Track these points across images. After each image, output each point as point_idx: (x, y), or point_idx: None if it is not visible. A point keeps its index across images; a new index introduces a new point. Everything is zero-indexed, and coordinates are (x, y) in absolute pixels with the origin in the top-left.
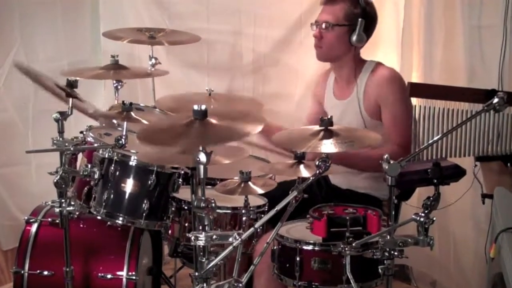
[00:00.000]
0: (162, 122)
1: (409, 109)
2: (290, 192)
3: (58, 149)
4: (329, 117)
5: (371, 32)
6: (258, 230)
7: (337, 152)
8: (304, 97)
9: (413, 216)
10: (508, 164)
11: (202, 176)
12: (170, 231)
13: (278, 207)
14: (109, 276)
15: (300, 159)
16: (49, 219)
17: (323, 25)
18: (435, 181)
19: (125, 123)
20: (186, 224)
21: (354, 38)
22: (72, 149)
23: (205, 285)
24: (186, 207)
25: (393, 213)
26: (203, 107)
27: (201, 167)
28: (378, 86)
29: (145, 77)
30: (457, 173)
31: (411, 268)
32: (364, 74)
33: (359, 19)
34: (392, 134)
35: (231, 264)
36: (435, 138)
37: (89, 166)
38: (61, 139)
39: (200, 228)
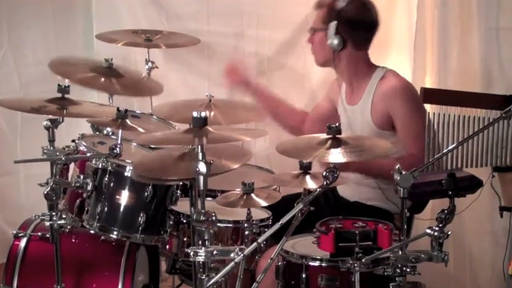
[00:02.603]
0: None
1: (423, 118)
2: (295, 204)
3: (49, 158)
4: (337, 124)
5: (359, 35)
6: (262, 245)
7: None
8: (310, 103)
9: (427, 230)
10: None
11: (202, 188)
12: (168, 246)
13: (283, 220)
14: None
15: (306, 169)
16: (39, 234)
17: (309, 30)
18: (450, 193)
19: (120, 131)
20: (185, 239)
21: (328, 41)
22: (63, 158)
23: None
24: (185, 221)
25: (405, 227)
26: (203, 114)
27: (201, 178)
28: (386, 97)
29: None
30: (473, 184)
31: (424, 285)
32: (373, 81)
33: (331, 22)
34: (407, 145)
35: (233, 282)
36: (450, 147)
37: (82, 177)
38: (51, 148)
39: (200, 243)
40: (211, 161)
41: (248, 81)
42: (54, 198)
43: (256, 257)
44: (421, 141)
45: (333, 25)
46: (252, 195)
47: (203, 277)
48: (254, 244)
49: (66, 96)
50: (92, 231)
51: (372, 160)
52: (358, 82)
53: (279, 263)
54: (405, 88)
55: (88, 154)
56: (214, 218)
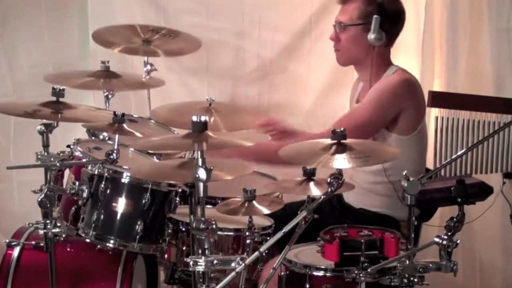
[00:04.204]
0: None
1: (376, 112)
2: (299, 212)
3: (43, 164)
4: (342, 129)
5: (396, 30)
6: (264, 254)
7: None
8: (314, 107)
9: (435, 239)
10: None
11: (201, 195)
12: (166, 256)
13: (286, 228)
14: None
15: (310, 175)
16: (33, 242)
17: (337, 27)
18: (459, 200)
19: (117, 136)
20: (184, 248)
21: (369, 37)
22: (58, 164)
23: None
24: (184, 229)
25: (413, 235)
26: (203, 118)
27: (201, 184)
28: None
29: (140, 89)
30: (483, 191)
31: None
32: (382, 79)
33: (374, 16)
34: (347, 118)
35: None
36: (459, 153)
37: (77, 183)
38: (46, 153)
39: (200, 252)
40: (211, 167)
41: (286, 130)
42: (48, 205)
43: (258, 266)
44: (348, 126)
45: (376, 19)
46: (254, 202)
47: None
48: (256, 253)
49: (61, 99)
50: (87, 240)
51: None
52: (375, 80)
53: (282, 273)
54: (399, 83)
55: (84, 160)
56: (214, 226)
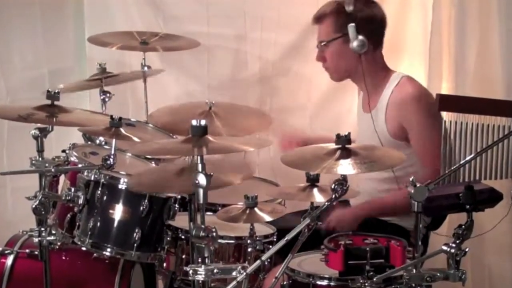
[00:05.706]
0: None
1: (439, 132)
2: (302, 219)
3: (37, 170)
4: (346, 133)
5: (377, 32)
6: (266, 263)
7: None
8: (318, 110)
9: (443, 247)
10: None
11: (201, 201)
12: (165, 264)
13: (289, 236)
14: None
15: (313, 181)
16: (27, 251)
17: (319, 47)
18: (468, 207)
19: (114, 140)
20: (184, 256)
21: (352, 45)
22: (53, 170)
23: None
24: (183, 237)
25: (420, 243)
26: (203, 122)
27: (201, 191)
28: (401, 106)
29: (136, 79)
30: (493, 197)
31: None
32: (389, 87)
33: (349, 25)
34: (427, 159)
35: None
36: (468, 158)
37: (73, 189)
38: (40, 159)
39: (199, 260)
40: (212, 173)
41: (304, 141)
42: (43, 212)
43: (260, 276)
44: (438, 159)
45: (352, 27)
46: (256, 209)
47: None
48: (258, 262)
49: (56, 103)
50: (83, 248)
51: (383, 199)
52: (375, 88)
53: (285, 282)
54: (420, 97)
55: (80, 165)
56: (214, 234)
